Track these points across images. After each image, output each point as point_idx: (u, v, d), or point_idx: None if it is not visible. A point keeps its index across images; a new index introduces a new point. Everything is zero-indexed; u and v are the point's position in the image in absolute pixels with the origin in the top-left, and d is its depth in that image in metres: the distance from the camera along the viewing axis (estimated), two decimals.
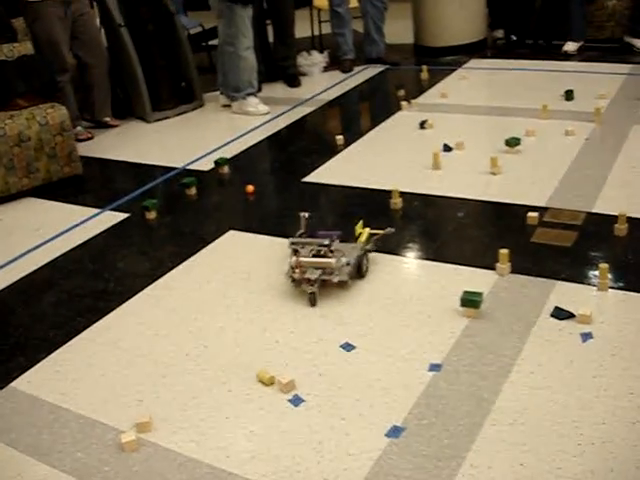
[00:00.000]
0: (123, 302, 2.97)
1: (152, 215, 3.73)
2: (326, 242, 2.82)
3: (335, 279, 2.82)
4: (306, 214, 3.05)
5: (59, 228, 3.72)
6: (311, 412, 2.22)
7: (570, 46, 6.08)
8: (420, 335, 2.53)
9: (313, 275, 2.79)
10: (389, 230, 3.11)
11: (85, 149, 4.76)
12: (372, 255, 3.04)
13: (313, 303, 2.80)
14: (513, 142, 4.00)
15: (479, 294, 2.60)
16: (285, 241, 3.25)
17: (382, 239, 3.09)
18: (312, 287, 2.79)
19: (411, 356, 2.42)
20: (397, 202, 3.51)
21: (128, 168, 4.59)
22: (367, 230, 3.06)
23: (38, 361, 2.63)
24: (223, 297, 2.92)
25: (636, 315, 2.52)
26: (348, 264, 2.84)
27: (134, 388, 2.42)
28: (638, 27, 5.93)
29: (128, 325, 2.81)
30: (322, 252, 2.83)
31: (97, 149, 4.91)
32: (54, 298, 3.09)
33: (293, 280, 2.88)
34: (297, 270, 2.81)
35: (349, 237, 3.04)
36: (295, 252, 2.84)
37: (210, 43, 6.65)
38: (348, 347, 2.50)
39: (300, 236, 2.97)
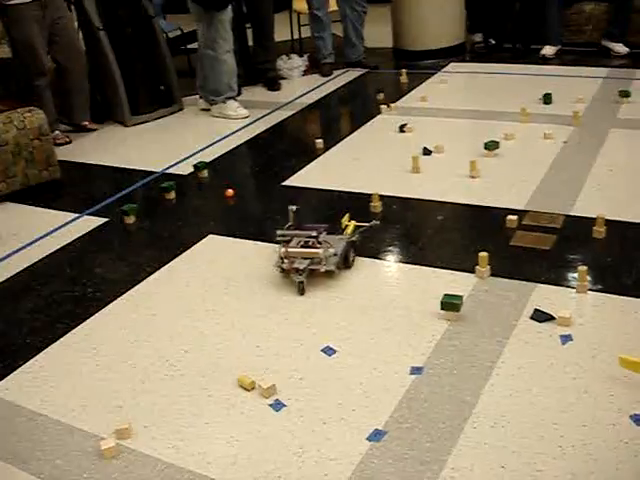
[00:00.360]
0: (102, 308, 2.94)
1: (131, 220, 3.70)
2: (314, 234, 2.93)
3: (322, 269, 2.90)
4: (294, 207, 3.09)
5: (37, 233, 3.69)
6: (292, 417, 2.21)
7: (548, 50, 6.13)
8: (401, 339, 2.53)
9: (301, 265, 2.87)
10: (374, 223, 3.19)
11: (63, 153, 4.73)
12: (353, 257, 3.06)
13: (302, 292, 2.87)
14: (492, 145, 4.02)
15: (459, 297, 2.60)
16: (265, 245, 3.26)
17: (368, 231, 3.16)
18: (300, 276, 2.86)
19: (392, 360, 2.42)
20: (377, 205, 3.51)
21: (107, 172, 4.56)
22: (353, 223, 3.14)
23: (16, 367, 2.60)
24: (203, 302, 2.91)
25: (615, 317, 2.54)
26: (335, 254, 2.92)
27: (113, 394, 2.40)
28: (615, 31, 6.00)
29: (107, 331, 2.79)
30: (310, 243, 2.93)
31: (75, 153, 4.87)
32: (32, 304, 3.06)
33: (282, 270, 2.96)
34: (286, 260, 2.90)
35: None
36: (284, 243, 2.94)
37: (189, 47, 6.63)
38: (329, 351, 2.50)
39: (288, 229, 3.04)
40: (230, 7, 5.10)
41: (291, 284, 2.93)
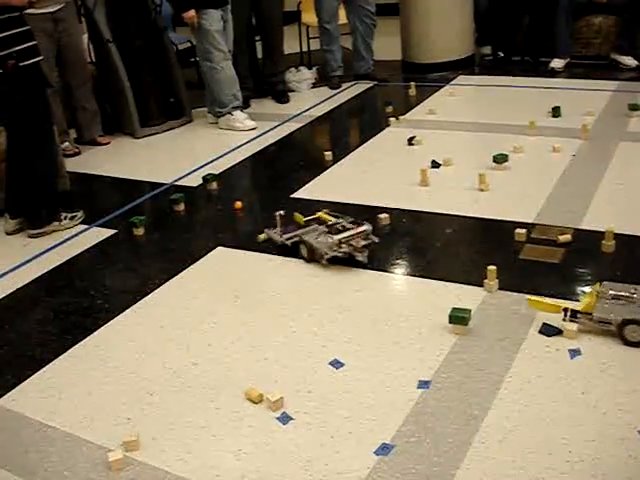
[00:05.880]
0: (110, 319, 2.95)
1: (140, 231, 3.72)
2: (339, 220, 3.23)
3: (376, 239, 3.15)
4: (281, 212, 3.34)
5: (46, 244, 3.71)
6: (300, 430, 2.21)
7: (557, 63, 6.12)
8: (409, 352, 2.53)
9: (360, 243, 3.10)
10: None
11: (73, 165, 4.75)
12: (361, 272, 3.09)
13: (368, 261, 3.09)
14: (501, 158, 4.02)
15: (467, 311, 2.60)
16: (274, 257, 3.27)
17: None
18: (364, 254, 3.09)
19: (400, 373, 2.42)
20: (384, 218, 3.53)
21: (116, 184, 4.58)
22: (322, 212, 3.40)
23: (25, 379, 2.61)
24: (211, 314, 2.91)
25: None
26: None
27: (122, 406, 2.41)
28: (625, 44, 5.99)
29: (115, 342, 2.79)
30: (347, 226, 3.18)
31: (85, 165, 4.90)
32: (41, 315, 3.07)
33: (336, 258, 3.10)
34: (343, 245, 3.08)
35: None
36: (300, 243, 3.20)
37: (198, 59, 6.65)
38: (337, 364, 2.50)
39: (283, 233, 3.30)
40: (218, 17, 5.11)
41: (299, 295, 2.94)
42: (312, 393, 2.37)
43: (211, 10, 5.07)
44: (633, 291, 2.53)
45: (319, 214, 3.39)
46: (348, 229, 3.16)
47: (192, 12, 5.03)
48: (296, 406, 2.31)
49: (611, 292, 2.54)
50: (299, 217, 3.41)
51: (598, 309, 2.50)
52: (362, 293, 2.95)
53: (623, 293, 2.53)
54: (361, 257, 3.09)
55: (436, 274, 3.03)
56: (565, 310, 2.54)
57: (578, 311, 2.52)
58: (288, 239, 3.29)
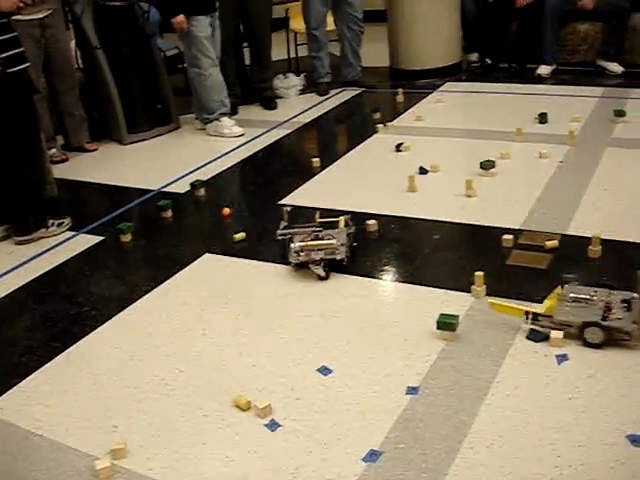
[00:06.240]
0: (97, 326, 2.94)
1: (127, 238, 3.71)
2: (318, 227, 3.21)
3: (338, 257, 3.09)
4: (288, 208, 3.42)
5: (33, 251, 3.69)
6: (288, 437, 2.20)
7: (543, 69, 6.17)
8: (397, 358, 2.53)
9: (318, 255, 3.07)
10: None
11: (60, 171, 4.73)
12: (349, 278, 3.09)
13: (326, 276, 3.07)
14: (488, 165, 4.04)
15: (455, 317, 2.61)
16: (261, 264, 3.27)
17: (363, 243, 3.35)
18: (319, 267, 3.06)
19: (388, 379, 2.42)
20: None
21: (103, 190, 4.57)
22: (342, 218, 3.37)
23: (11, 387, 2.59)
24: (199, 321, 2.90)
25: None
26: (342, 245, 3.14)
27: (109, 414, 2.39)
28: (610, 50, 6.04)
29: (103, 350, 2.78)
30: (320, 236, 3.16)
31: (72, 171, 4.88)
32: (27, 322, 3.06)
33: (297, 265, 3.12)
34: (302, 253, 3.09)
35: None
36: (290, 240, 3.18)
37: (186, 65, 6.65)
38: (325, 371, 2.49)
39: (284, 228, 3.31)
40: (207, 23, 5.12)
41: (287, 302, 2.94)
42: (300, 400, 2.36)
43: (200, 17, 5.07)
44: (593, 293, 2.58)
45: (340, 218, 3.38)
46: (319, 239, 3.15)
47: (181, 17, 5.03)
48: (284, 413, 2.30)
49: (571, 295, 2.59)
50: (317, 217, 3.45)
51: (559, 312, 2.54)
52: (350, 299, 2.95)
53: (583, 296, 2.57)
54: (314, 269, 3.06)
55: (424, 280, 3.04)
56: (527, 313, 2.58)
57: (539, 314, 2.56)
58: (281, 235, 3.30)
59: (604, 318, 2.46)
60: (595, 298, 2.55)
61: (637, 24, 6.09)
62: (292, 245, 3.14)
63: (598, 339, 2.45)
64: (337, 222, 3.35)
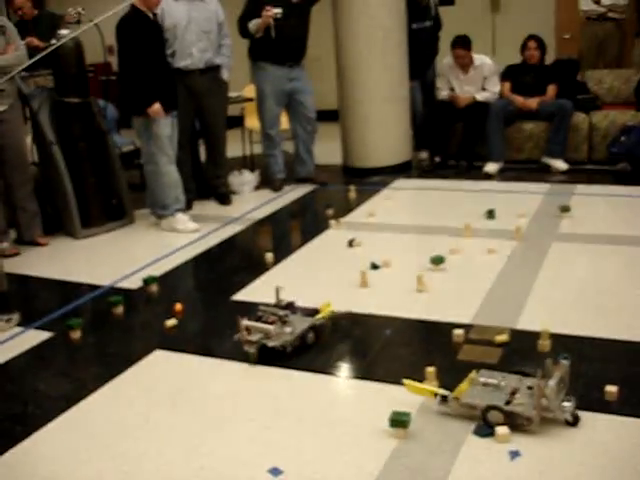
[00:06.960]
0: (42, 426, 2.84)
1: (76, 334, 3.64)
2: (281, 313, 3.27)
3: (270, 344, 3.15)
4: (280, 286, 3.50)
5: None
6: None
7: (490, 167, 6.37)
8: (349, 458, 2.49)
9: (254, 337, 3.18)
10: (348, 311, 3.55)
11: (11, 265, 4.66)
12: (301, 374, 3.06)
13: (254, 361, 3.15)
14: (438, 260, 4.11)
15: (407, 414, 2.59)
16: (213, 360, 3.24)
17: (338, 317, 3.49)
18: (251, 348, 3.16)
19: None
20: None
21: (54, 286, 4.51)
22: (328, 309, 3.48)
23: None
24: (146, 420, 2.84)
25: (561, 431, 2.54)
26: (291, 333, 3.20)
27: None
28: (555, 148, 6.30)
29: (46, 450, 2.69)
30: (270, 320, 3.25)
31: (23, 265, 4.82)
32: None
33: (242, 342, 3.21)
34: (244, 332, 3.18)
35: None
36: (259, 318, 3.27)
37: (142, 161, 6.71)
38: (275, 472, 2.44)
39: (275, 306, 3.39)
40: (169, 122, 5.22)
41: (239, 400, 2.90)
42: None
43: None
44: (501, 379, 2.69)
45: (323, 306, 3.50)
46: (267, 322, 3.25)
47: (157, 105, 5.07)
48: None
49: (482, 379, 2.70)
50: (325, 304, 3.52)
51: (466, 394, 2.64)
52: (301, 397, 2.92)
53: (492, 381, 2.68)
54: (247, 348, 3.17)
55: (376, 376, 3.03)
56: (436, 395, 2.69)
57: (446, 396, 2.65)
58: (261, 311, 3.35)
59: (507, 403, 2.56)
60: (503, 384, 2.66)
61: (579, 123, 6.38)
62: (241, 322, 3.21)
63: (498, 421, 2.54)
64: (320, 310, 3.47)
